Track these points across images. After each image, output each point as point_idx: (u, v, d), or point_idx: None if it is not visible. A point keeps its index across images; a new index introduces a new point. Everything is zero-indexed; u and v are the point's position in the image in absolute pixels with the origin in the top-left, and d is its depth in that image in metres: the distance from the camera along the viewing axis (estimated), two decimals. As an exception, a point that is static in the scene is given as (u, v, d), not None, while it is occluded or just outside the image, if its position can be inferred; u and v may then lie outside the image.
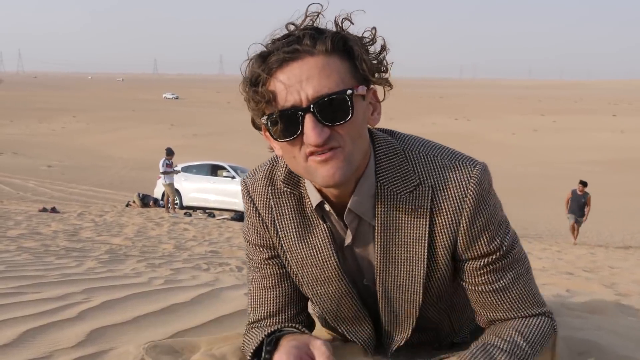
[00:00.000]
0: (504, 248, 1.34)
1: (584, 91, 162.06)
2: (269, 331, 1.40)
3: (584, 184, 14.83)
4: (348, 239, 1.39)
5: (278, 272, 1.47)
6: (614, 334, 2.04)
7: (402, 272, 1.38)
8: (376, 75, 1.26)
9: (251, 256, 1.50)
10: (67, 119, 73.69)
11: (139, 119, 73.20)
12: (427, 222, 1.32)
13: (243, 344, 1.48)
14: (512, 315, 1.37)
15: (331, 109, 1.19)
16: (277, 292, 1.47)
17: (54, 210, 12.07)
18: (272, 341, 1.32)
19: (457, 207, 1.31)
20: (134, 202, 16.21)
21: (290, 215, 1.41)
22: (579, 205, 14.69)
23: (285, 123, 1.20)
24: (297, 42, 1.19)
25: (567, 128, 68.50)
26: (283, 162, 1.41)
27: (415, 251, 1.35)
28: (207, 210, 15.77)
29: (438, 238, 1.34)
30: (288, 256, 1.43)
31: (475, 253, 1.34)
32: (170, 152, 15.23)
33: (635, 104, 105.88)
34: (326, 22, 1.25)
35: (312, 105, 1.18)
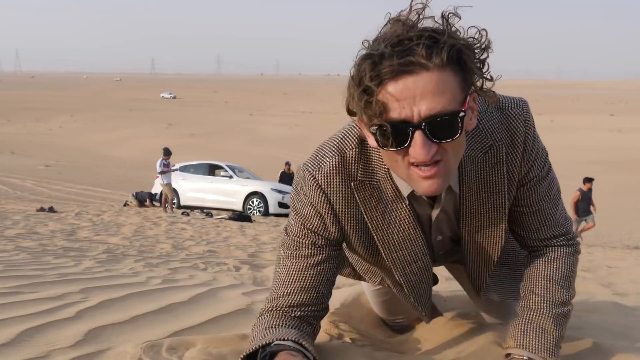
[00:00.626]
0: (546, 168, 1.51)
1: (581, 91, 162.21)
2: (281, 324, 1.42)
3: (590, 180, 14.67)
4: (435, 213, 1.49)
5: (321, 260, 1.48)
6: (611, 333, 2.05)
7: (485, 224, 1.51)
8: (483, 86, 1.28)
9: (299, 238, 1.49)
10: (65, 118, 73.56)
11: (136, 118, 73.11)
12: (505, 174, 1.45)
13: (252, 328, 1.48)
14: (545, 235, 1.56)
15: (441, 128, 1.21)
16: (311, 279, 1.48)
17: (51, 209, 12.05)
18: (267, 356, 1.31)
19: (521, 149, 1.44)
20: (130, 202, 16.20)
21: (375, 205, 1.45)
22: (589, 202, 14.52)
23: (394, 135, 1.22)
24: (411, 53, 1.18)
25: (564, 127, 68.56)
26: (352, 154, 1.43)
27: (497, 202, 1.48)
28: (204, 210, 15.76)
29: (511, 182, 1.47)
30: (379, 242, 1.50)
31: (529, 178, 1.49)
32: (167, 152, 15.22)
33: (632, 103, 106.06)
34: (428, 12, 1.22)
35: (423, 123, 1.20)
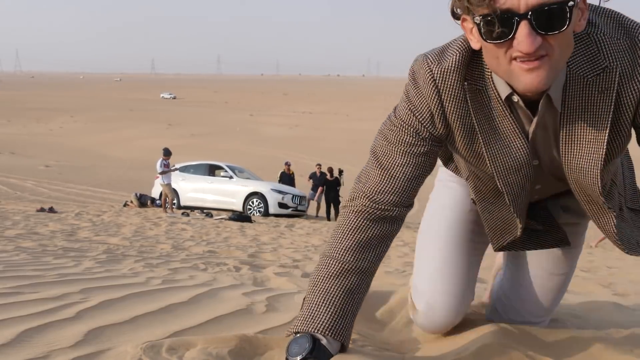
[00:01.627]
0: None
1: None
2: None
3: None
4: (532, 126, 1.43)
5: (419, 152, 1.49)
6: (611, 333, 2.05)
7: (584, 149, 1.43)
8: None
9: (405, 123, 1.49)
10: (65, 118, 73.57)
11: (136, 118, 73.10)
12: (612, 102, 1.36)
13: (327, 242, 1.54)
14: None
15: (548, 18, 1.18)
16: (406, 168, 1.50)
17: (51, 210, 12.05)
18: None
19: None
20: (131, 202, 16.21)
21: (482, 109, 1.43)
22: None
23: (499, 24, 1.19)
24: None
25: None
26: (469, 56, 1.41)
27: (598, 130, 1.39)
28: (204, 210, 15.76)
29: (620, 112, 1.38)
30: (485, 149, 1.47)
31: None
32: (167, 153, 15.22)
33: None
34: None
35: (530, 13, 1.17)
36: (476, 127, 1.44)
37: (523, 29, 1.18)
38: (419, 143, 1.49)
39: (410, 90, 1.48)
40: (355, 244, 1.50)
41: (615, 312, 2.61)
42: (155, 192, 16.99)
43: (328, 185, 17.89)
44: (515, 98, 1.37)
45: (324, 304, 1.45)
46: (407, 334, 2.07)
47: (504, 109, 1.41)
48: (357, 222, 1.51)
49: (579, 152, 1.44)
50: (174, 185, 15.90)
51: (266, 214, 16.63)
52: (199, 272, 4.06)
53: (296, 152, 41.48)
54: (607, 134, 1.39)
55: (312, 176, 18.60)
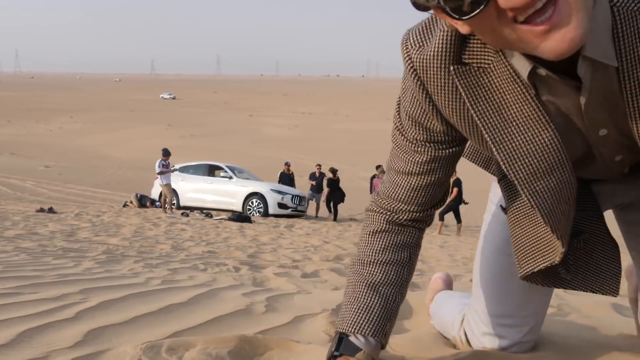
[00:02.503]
0: None
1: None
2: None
3: None
4: (583, 99, 1.04)
5: (423, 159, 1.25)
6: (610, 333, 2.05)
7: None
8: None
9: (400, 130, 1.27)
10: (65, 119, 73.57)
11: (136, 119, 73.11)
12: None
13: (358, 244, 1.40)
14: None
15: None
16: (412, 179, 1.29)
17: (51, 210, 12.05)
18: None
19: None
20: (131, 202, 16.22)
21: (486, 96, 1.09)
22: None
23: None
24: None
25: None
26: (458, 33, 1.07)
27: None
28: (204, 211, 15.76)
29: None
30: (494, 149, 1.12)
31: None
32: (166, 153, 15.23)
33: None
34: None
35: None
36: (477, 121, 1.11)
37: None
38: (420, 150, 1.25)
39: (403, 79, 1.22)
40: (376, 248, 1.37)
41: (615, 312, 2.61)
42: (155, 193, 16.99)
43: (332, 186, 17.88)
44: (543, 72, 1.01)
45: (346, 303, 1.40)
46: (407, 334, 2.07)
47: (525, 91, 1.06)
48: (373, 226, 1.38)
49: None
50: (173, 186, 15.90)
51: (266, 214, 16.63)
52: (198, 273, 4.06)
53: (296, 152, 41.49)
54: None
55: (312, 176, 18.62)
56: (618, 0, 0.97)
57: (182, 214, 14.40)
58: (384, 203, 1.36)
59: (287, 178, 18.72)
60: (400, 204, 1.33)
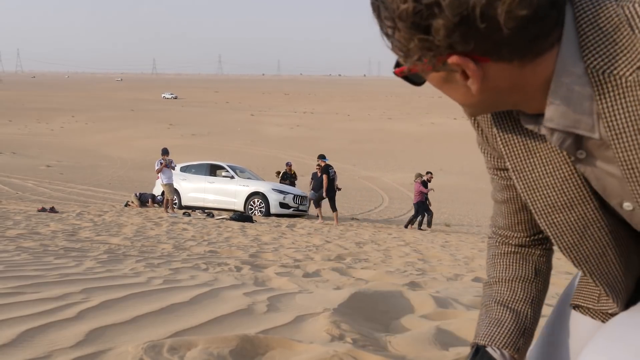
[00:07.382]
0: None
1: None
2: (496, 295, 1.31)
3: None
4: (583, 167, 1.04)
5: (503, 185, 1.25)
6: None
7: None
8: None
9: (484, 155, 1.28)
10: (66, 118, 73.65)
11: (137, 118, 73.17)
12: None
13: (487, 262, 1.39)
14: None
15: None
16: (504, 206, 1.30)
17: (52, 210, 12.06)
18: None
19: None
20: (132, 202, 16.24)
21: (511, 127, 1.12)
22: None
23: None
24: None
25: (565, 128, 68.34)
26: None
27: None
28: (205, 210, 15.77)
29: None
30: (515, 177, 1.14)
31: None
32: (165, 152, 15.25)
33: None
34: None
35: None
36: (502, 148, 1.14)
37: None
38: (494, 176, 1.25)
39: None
40: (499, 268, 1.38)
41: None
42: (156, 191, 17.02)
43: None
44: (543, 130, 1.01)
45: (479, 320, 1.42)
46: (408, 334, 2.07)
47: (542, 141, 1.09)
48: (492, 250, 1.40)
49: None
50: (175, 185, 15.90)
51: (267, 214, 16.62)
52: (200, 272, 4.06)
53: (297, 151, 41.49)
54: None
55: (314, 176, 18.62)
56: (595, 61, 0.91)
57: (183, 213, 14.40)
58: (494, 230, 1.40)
59: (289, 177, 18.72)
60: (504, 230, 1.36)
